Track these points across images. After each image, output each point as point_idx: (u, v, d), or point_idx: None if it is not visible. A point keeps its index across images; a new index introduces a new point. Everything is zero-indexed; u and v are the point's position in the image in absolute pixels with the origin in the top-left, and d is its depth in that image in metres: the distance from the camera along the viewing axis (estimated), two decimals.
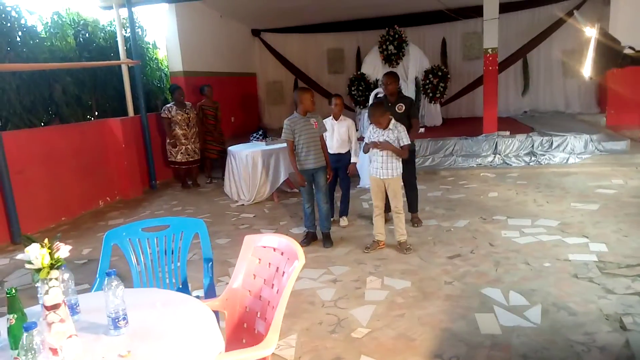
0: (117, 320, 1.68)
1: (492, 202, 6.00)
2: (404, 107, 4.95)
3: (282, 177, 6.69)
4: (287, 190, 7.15)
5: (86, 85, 7.55)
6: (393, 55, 10.82)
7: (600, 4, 10.42)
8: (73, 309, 1.80)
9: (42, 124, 6.80)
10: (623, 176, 6.80)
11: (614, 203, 5.59)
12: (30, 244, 1.54)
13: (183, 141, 7.66)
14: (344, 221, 5.50)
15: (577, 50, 10.95)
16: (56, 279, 1.55)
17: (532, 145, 8.06)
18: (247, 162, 6.59)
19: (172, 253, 2.71)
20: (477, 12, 10.09)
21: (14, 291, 1.47)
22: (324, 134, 4.85)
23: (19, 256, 1.58)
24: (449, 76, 10.69)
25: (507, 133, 8.29)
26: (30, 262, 1.52)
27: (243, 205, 6.63)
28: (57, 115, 7.09)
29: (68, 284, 1.77)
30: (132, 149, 7.60)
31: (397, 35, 10.80)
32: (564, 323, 3.08)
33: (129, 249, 2.69)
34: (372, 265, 4.25)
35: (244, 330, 2.20)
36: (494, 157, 8.01)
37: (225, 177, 7.07)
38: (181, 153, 7.68)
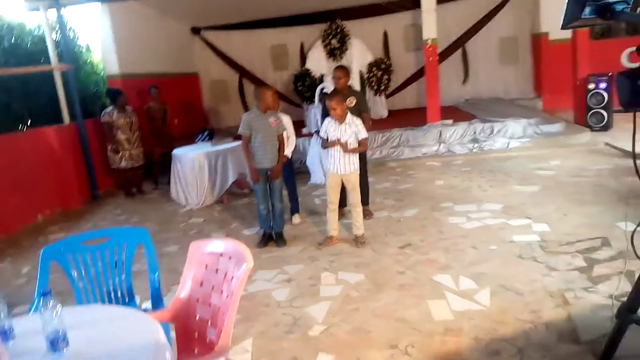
0: (55, 342, 1.59)
1: (439, 190, 6.14)
2: (354, 101, 4.96)
3: (231, 179, 6.58)
4: (237, 191, 7.04)
5: (15, 92, 7.14)
6: (336, 49, 10.89)
7: None
8: (7, 334, 1.68)
9: None
10: (560, 157, 7.12)
11: (553, 183, 5.84)
12: None
13: (126, 146, 7.36)
14: (296, 219, 5.47)
15: (513, 38, 11.41)
16: None
17: (475, 132, 8.31)
18: (193, 164, 6.44)
19: (116, 266, 2.60)
20: (416, 4, 10.31)
21: None
22: (284, 133, 4.78)
23: None
24: (392, 68, 10.86)
25: (450, 121, 8.51)
26: None
27: (191, 209, 6.47)
28: None
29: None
30: (69, 158, 7.25)
31: (339, 29, 10.87)
32: (512, 303, 3.19)
33: (69, 265, 2.56)
34: (326, 261, 4.26)
35: (195, 339, 2.13)
36: (439, 145, 8.21)
37: (171, 182, 6.88)
38: (125, 159, 7.38)
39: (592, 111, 8.35)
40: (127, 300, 2.62)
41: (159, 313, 2.11)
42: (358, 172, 4.53)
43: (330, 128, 4.42)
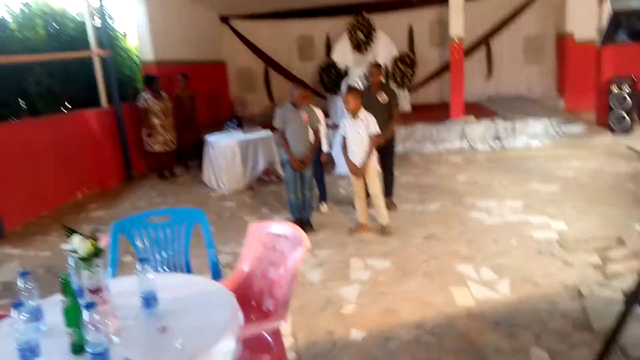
0: (149, 300, 1.90)
1: (461, 185, 6.38)
2: (386, 97, 5.22)
3: (262, 166, 6.89)
4: (265, 178, 7.34)
5: (58, 76, 7.52)
6: (362, 42, 11.07)
7: None
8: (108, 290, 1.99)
9: (14, 118, 6.78)
10: (580, 158, 7.29)
11: (572, 184, 6.04)
12: (72, 234, 1.73)
13: (160, 131, 7.71)
14: (324, 207, 5.76)
15: (538, 36, 11.50)
16: (98, 265, 1.74)
17: (497, 130, 8.49)
18: (227, 151, 6.75)
19: (176, 242, 2.91)
20: (442, 0, 10.44)
21: (67, 276, 1.66)
22: (318, 126, 5.04)
23: (64, 246, 1.77)
24: (416, 63, 11.03)
25: (473, 118, 8.69)
26: (75, 251, 1.71)
27: (224, 194, 6.80)
28: (29, 109, 7.07)
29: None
30: (107, 140, 7.63)
31: (366, 23, 11.05)
32: (530, 294, 3.45)
33: (135, 239, 2.87)
34: (354, 248, 4.54)
35: (252, 308, 2.44)
36: (462, 142, 8.42)
37: (204, 167, 7.21)
38: (159, 143, 7.74)
39: (614, 113, 8.47)
40: (184, 272, 2.93)
41: (222, 282, 2.41)
42: (374, 163, 4.79)
43: (346, 125, 4.70)
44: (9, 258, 5.02)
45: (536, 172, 6.73)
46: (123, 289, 2.12)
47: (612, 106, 8.50)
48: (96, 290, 1.74)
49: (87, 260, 1.71)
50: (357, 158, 4.68)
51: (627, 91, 8.33)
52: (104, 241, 1.80)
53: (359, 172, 4.69)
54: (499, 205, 5.40)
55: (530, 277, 3.68)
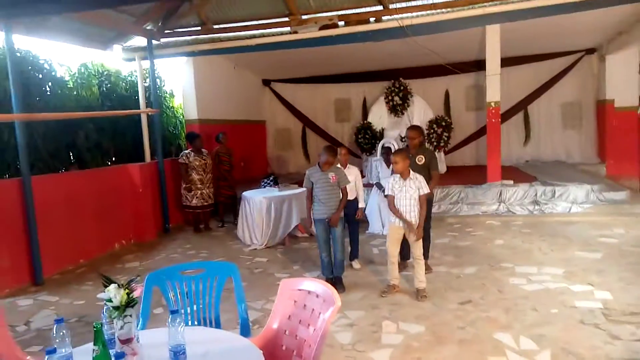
0: (178, 354, 1.89)
1: (498, 249, 6.21)
2: (424, 159, 5.25)
3: (294, 222, 6.94)
4: (298, 235, 7.36)
5: (106, 132, 7.90)
6: (398, 105, 11.30)
7: (597, 60, 10.97)
8: (138, 340, 2.00)
9: (63, 169, 7.11)
10: (624, 225, 7.03)
11: (616, 252, 5.79)
12: (110, 284, 1.77)
13: (199, 186, 7.94)
14: (356, 264, 5.71)
15: (576, 103, 11.45)
16: (130, 315, 1.77)
17: (536, 194, 8.32)
18: (262, 207, 6.84)
19: (207, 295, 2.92)
20: (478, 66, 10.62)
21: (100, 325, 1.69)
22: (347, 185, 5.09)
23: (100, 295, 1.80)
24: (452, 126, 11.12)
25: (511, 182, 8.57)
26: (110, 300, 1.75)
27: (256, 249, 6.83)
28: (77, 161, 7.41)
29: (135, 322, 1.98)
30: (148, 193, 7.87)
31: (402, 87, 11.32)
32: None
33: (167, 291, 2.90)
34: (386, 310, 4.43)
35: None
36: (499, 205, 8.27)
37: (238, 222, 7.30)
38: (196, 197, 7.95)
39: None
40: (214, 327, 2.91)
41: (251, 340, 2.38)
42: (421, 225, 4.74)
43: (395, 185, 4.68)
44: (45, 305, 5.11)
45: (577, 238, 6.50)
46: (154, 340, 2.13)
47: None
48: (127, 340, 1.75)
49: (121, 309, 1.74)
50: (409, 218, 4.65)
51: None
52: (138, 292, 1.83)
53: (414, 230, 4.62)
54: (538, 272, 5.20)
55: (573, 349, 3.48)
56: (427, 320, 4.16)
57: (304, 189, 5.23)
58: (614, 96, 10.14)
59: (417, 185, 4.62)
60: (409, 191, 4.62)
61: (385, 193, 4.82)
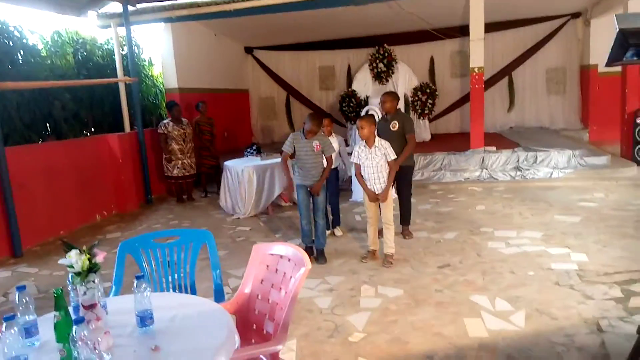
0: (145, 319, 1.87)
1: (479, 215, 6.26)
2: (397, 124, 5.20)
3: (277, 191, 6.91)
4: (281, 204, 7.35)
5: (84, 101, 7.73)
6: (383, 72, 11.18)
7: (582, 25, 10.88)
8: (103, 309, 1.98)
9: (40, 140, 6.97)
10: (604, 190, 7.11)
11: (595, 215, 5.87)
12: (71, 249, 1.74)
13: (179, 156, 7.85)
14: (338, 231, 5.73)
15: (560, 68, 11.41)
16: (94, 281, 1.74)
17: (518, 160, 8.36)
18: (243, 176, 6.79)
19: (182, 262, 2.90)
20: (462, 32, 10.51)
21: (60, 291, 1.66)
22: (332, 154, 5.01)
23: (61, 261, 1.77)
24: (437, 93, 11.06)
25: (494, 148, 8.60)
26: (71, 266, 1.71)
27: (239, 218, 6.81)
28: (54, 132, 7.26)
29: (98, 287, 1.96)
30: (128, 164, 7.77)
31: (386, 54, 11.17)
32: (546, 326, 3.31)
33: (141, 258, 2.87)
34: (366, 275, 4.46)
35: (253, 331, 2.39)
36: (481, 171, 8.30)
37: (221, 191, 7.26)
38: (177, 167, 7.87)
39: None
40: (189, 293, 2.90)
41: (223, 304, 2.37)
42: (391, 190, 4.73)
43: (361, 154, 4.65)
44: (24, 276, 5.08)
45: (558, 203, 6.57)
46: (122, 307, 2.11)
47: (638, 138, 8.32)
48: (90, 306, 1.72)
49: (82, 275, 1.71)
50: (375, 185, 4.64)
51: None
52: (101, 257, 1.79)
53: (377, 198, 4.64)
54: (517, 236, 5.26)
55: (546, 309, 3.54)
56: (405, 284, 4.20)
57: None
58: (597, 61, 10.11)
59: (382, 152, 4.58)
60: (374, 159, 4.58)
61: (351, 160, 4.79)
